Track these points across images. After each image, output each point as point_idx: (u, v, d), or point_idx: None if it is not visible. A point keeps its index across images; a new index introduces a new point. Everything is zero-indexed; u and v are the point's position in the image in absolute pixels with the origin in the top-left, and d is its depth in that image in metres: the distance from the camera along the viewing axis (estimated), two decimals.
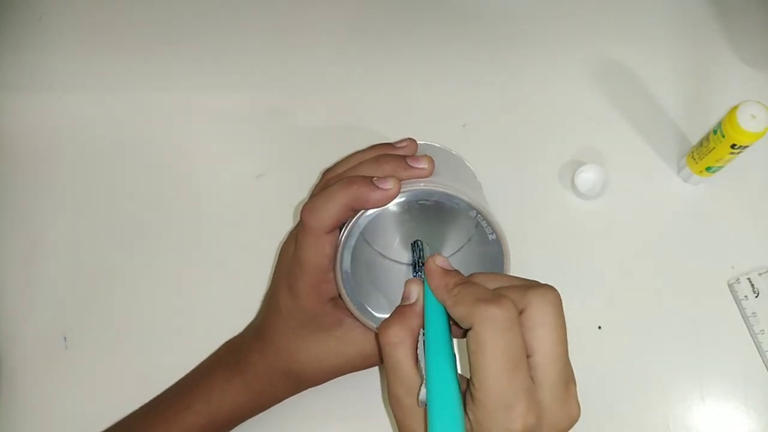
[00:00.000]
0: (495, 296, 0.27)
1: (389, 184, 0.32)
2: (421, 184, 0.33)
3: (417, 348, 0.29)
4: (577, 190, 0.46)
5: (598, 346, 0.43)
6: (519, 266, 0.44)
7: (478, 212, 0.34)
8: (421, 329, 0.30)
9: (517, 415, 0.26)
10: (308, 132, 0.49)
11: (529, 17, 0.52)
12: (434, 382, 0.27)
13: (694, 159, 0.44)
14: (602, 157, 0.47)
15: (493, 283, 0.30)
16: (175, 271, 0.46)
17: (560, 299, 0.28)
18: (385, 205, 0.32)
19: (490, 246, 0.35)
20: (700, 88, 0.49)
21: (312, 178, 0.47)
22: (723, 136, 0.40)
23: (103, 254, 0.47)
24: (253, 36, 0.52)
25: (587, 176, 0.46)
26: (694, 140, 0.45)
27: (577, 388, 0.28)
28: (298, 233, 0.35)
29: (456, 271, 0.31)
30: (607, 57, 0.50)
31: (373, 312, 0.35)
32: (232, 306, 0.43)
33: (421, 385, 0.28)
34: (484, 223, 0.34)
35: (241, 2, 0.53)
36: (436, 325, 0.30)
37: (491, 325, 0.26)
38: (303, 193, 0.46)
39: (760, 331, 0.42)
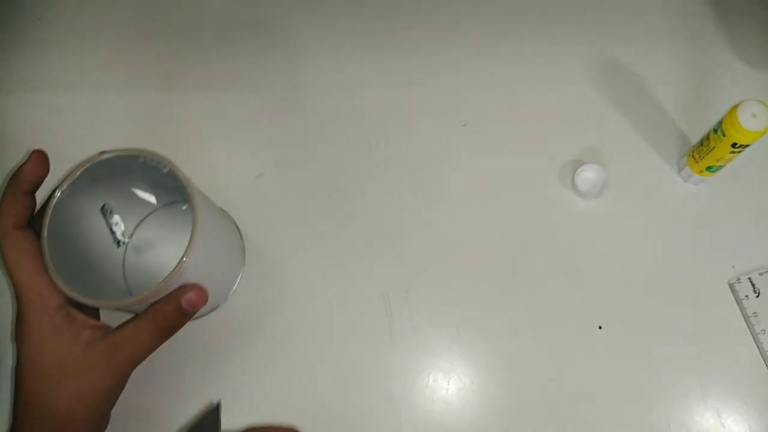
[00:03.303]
0: None
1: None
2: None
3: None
4: (577, 190, 0.46)
5: (598, 346, 0.43)
6: (520, 266, 0.44)
7: (145, 158, 0.35)
8: None
9: None
10: (308, 132, 0.49)
11: (529, 17, 0.52)
12: None
13: (695, 158, 0.44)
14: (602, 157, 0.47)
15: None
16: None
17: None
18: (39, 172, 0.35)
19: (172, 185, 0.36)
20: (700, 88, 0.49)
21: (312, 179, 0.47)
22: (723, 135, 0.40)
23: None
24: (253, 36, 0.52)
25: (587, 176, 0.46)
26: (695, 140, 0.45)
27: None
28: None
29: None
30: (607, 57, 0.50)
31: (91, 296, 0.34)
32: (228, 305, 0.43)
33: None
34: (159, 166, 0.35)
35: (241, 3, 0.53)
36: None
37: None
38: (303, 194, 0.46)
39: (761, 330, 0.42)
